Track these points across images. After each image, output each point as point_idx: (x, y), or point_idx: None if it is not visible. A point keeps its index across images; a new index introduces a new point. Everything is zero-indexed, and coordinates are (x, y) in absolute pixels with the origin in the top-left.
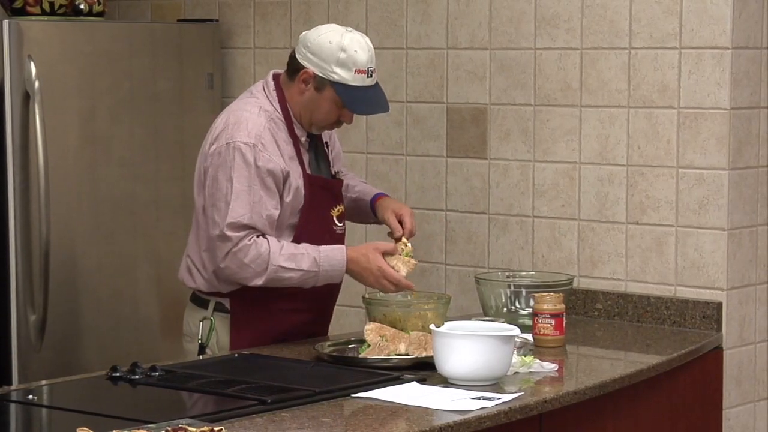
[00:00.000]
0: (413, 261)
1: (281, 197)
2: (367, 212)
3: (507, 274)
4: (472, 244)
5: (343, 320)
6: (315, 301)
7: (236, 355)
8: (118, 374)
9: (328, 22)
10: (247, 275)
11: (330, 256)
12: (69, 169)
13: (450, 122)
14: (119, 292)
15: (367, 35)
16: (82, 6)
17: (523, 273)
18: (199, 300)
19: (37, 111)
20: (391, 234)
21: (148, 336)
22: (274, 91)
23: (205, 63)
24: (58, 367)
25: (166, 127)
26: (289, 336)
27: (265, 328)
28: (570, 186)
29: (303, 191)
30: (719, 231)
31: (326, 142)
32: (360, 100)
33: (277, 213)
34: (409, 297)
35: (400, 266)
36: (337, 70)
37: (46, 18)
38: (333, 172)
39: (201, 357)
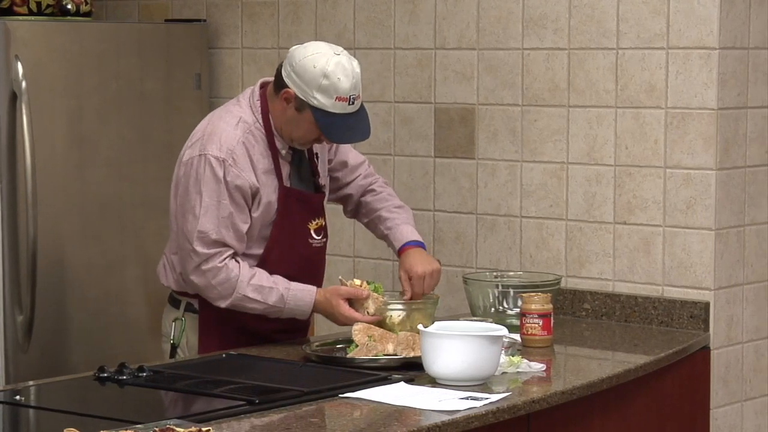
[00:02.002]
0: (381, 298)
1: (250, 212)
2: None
3: (495, 274)
4: (460, 245)
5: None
6: None
7: (224, 355)
8: (105, 375)
9: (316, 22)
10: (212, 295)
11: (298, 296)
12: (56, 170)
13: (438, 122)
14: (107, 293)
15: (354, 36)
16: (69, 6)
17: (511, 273)
18: (173, 300)
19: (24, 111)
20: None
21: (136, 336)
22: (258, 101)
23: (193, 63)
24: (45, 367)
25: (153, 128)
26: (260, 340)
27: (233, 330)
28: (558, 186)
29: (276, 205)
30: (706, 231)
31: (316, 153)
32: (338, 127)
33: (246, 227)
34: (397, 297)
35: (369, 303)
36: (318, 95)
37: (33, 18)
38: (320, 184)
39: (173, 359)
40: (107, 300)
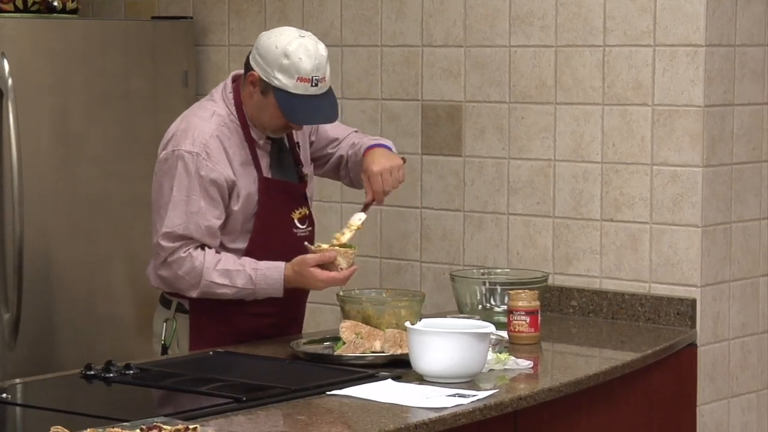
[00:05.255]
0: (351, 251)
1: (228, 206)
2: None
3: (482, 271)
4: (447, 242)
5: (318, 317)
6: (278, 305)
7: (211, 353)
8: (92, 372)
9: (303, 19)
10: (182, 286)
11: (267, 275)
12: (43, 168)
13: (425, 119)
14: (94, 291)
15: (341, 33)
16: (55, 3)
17: (498, 270)
18: (164, 300)
19: (10, 108)
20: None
21: (123, 334)
22: (231, 94)
23: (180, 60)
24: (32, 365)
25: (140, 125)
26: (253, 339)
27: (225, 331)
28: (545, 183)
29: (257, 196)
30: (693, 228)
31: (297, 143)
32: (299, 108)
33: (218, 223)
34: (383, 294)
35: (340, 260)
36: (279, 76)
37: (19, 15)
38: (302, 173)
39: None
40: (94, 298)
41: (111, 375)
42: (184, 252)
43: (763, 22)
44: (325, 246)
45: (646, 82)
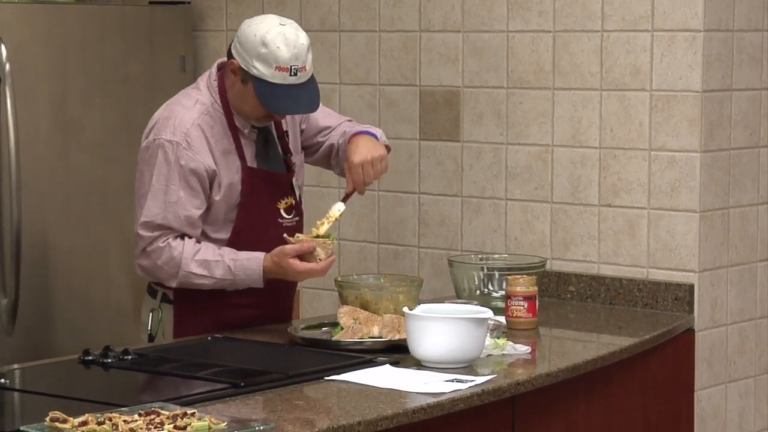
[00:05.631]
0: (328, 240)
1: (210, 196)
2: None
3: (480, 256)
4: (445, 227)
5: (316, 303)
6: (263, 296)
7: (209, 338)
8: (90, 358)
9: (301, 5)
10: (161, 276)
11: (246, 265)
12: (40, 153)
13: (423, 105)
14: (91, 276)
15: (339, 18)
16: None
17: (496, 256)
18: (150, 290)
19: (8, 94)
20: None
21: (121, 320)
22: (216, 82)
23: (177, 46)
24: (29, 350)
25: (138, 111)
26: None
27: (208, 322)
28: (543, 169)
29: (240, 186)
30: (691, 213)
31: (286, 131)
32: (277, 98)
33: (198, 212)
34: (381, 280)
35: (319, 251)
36: (257, 64)
37: (16, 0)
38: (291, 163)
39: None
40: (92, 283)
41: (109, 360)
42: (163, 242)
43: (762, 7)
44: (303, 237)
45: (645, 67)
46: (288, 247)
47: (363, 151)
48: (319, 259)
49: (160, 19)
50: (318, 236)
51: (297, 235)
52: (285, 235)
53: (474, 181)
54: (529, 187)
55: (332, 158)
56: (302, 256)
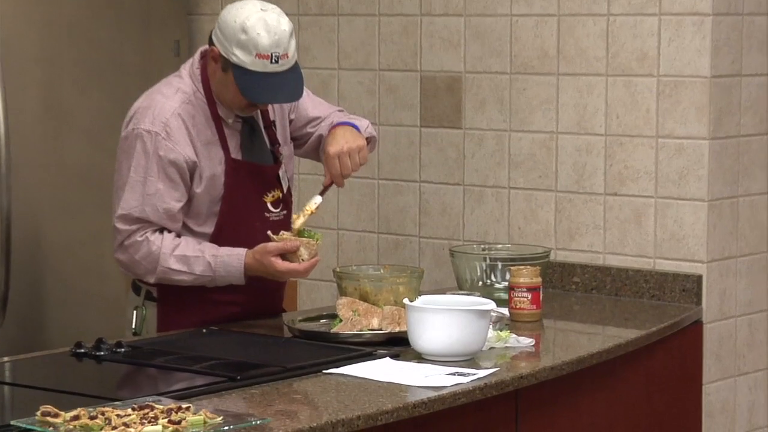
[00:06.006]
0: (312, 241)
1: (191, 188)
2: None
3: (482, 246)
4: (447, 217)
5: (314, 294)
6: (253, 294)
7: (204, 330)
8: (82, 350)
9: None
10: (139, 271)
11: (227, 262)
12: (32, 141)
13: (424, 91)
14: (84, 267)
15: (338, 2)
16: None
17: (499, 246)
18: (135, 286)
19: None
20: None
21: (114, 312)
22: (198, 69)
23: (172, 30)
24: (21, 343)
25: (132, 97)
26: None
27: (195, 320)
28: (547, 156)
29: (223, 178)
30: (699, 202)
31: (273, 121)
32: (258, 87)
33: (178, 205)
34: (381, 270)
35: (302, 251)
36: (237, 52)
37: None
38: (278, 154)
39: None
40: (84, 274)
41: (102, 353)
42: (141, 236)
43: None
44: (287, 235)
45: (652, 52)
46: (271, 244)
47: (340, 142)
48: (303, 260)
49: (155, 3)
50: (302, 235)
51: (282, 232)
52: (269, 232)
53: (476, 169)
54: (533, 176)
55: (321, 150)
56: (285, 255)
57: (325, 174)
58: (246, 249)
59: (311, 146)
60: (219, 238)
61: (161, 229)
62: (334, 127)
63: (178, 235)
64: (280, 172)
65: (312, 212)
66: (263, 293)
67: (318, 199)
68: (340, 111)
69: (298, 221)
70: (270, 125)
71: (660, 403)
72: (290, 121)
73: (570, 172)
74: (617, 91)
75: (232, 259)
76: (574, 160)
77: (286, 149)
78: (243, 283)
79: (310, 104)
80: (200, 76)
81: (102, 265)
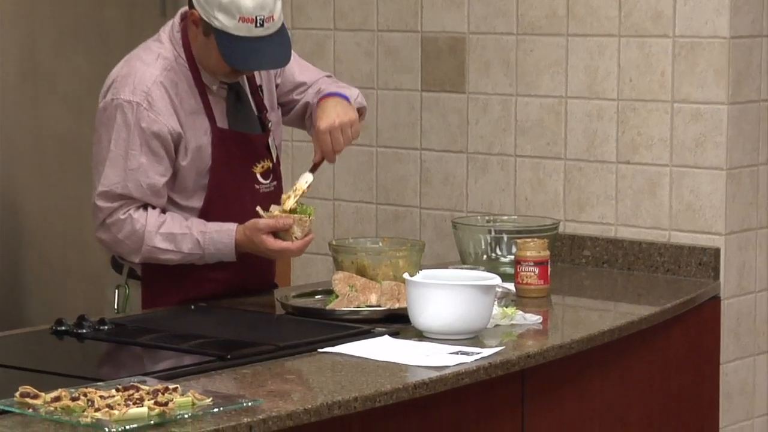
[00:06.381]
0: (306, 217)
1: (176, 161)
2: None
3: (487, 218)
4: (449, 186)
5: (309, 269)
6: (242, 270)
7: (192, 307)
8: (63, 328)
9: None
10: (122, 251)
11: (216, 239)
12: (8, 107)
13: (425, 53)
14: (65, 240)
15: None
16: None
17: (505, 217)
18: (115, 264)
19: None
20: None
21: (97, 287)
22: (179, 33)
23: None
24: None
25: (115, 59)
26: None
27: (182, 299)
28: (555, 122)
29: (210, 149)
30: (717, 171)
31: (260, 86)
32: (241, 52)
33: (163, 180)
34: (380, 243)
35: (295, 229)
36: (219, 15)
37: None
38: (266, 121)
39: None
40: (65, 247)
41: (84, 331)
42: (124, 213)
43: None
44: (278, 210)
45: (667, 11)
46: (262, 221)
47: (331, 116)
48: (296, 238)
49: None
50: (294, 211)
51: (272, 207)
52: (258, 208)
53: (480, 136)
54: (541, 143)
55: (306, 118)
56: (277, 233)
57: (315, 150)
58: (236, 224)
59: (297, 114)
60: (208, 212)
61: (145, 206)
62: (323, 98)
63: (163, 211)
64: (270, 141)
65: (304, 192)
66: (254, 269)
67: (309, 177)
68: (328, 77)
69: (288, 202)
70: (257, 90)
71: (675, 384)
72: (276, 86)
73: (580, 139)
74: (630, 53)
75: (222, 236)
76: (584, 127)
77: (273, 116)
78: (234, 260)
79: (297, 68)
80: (181, 41)
81: (84, 238)
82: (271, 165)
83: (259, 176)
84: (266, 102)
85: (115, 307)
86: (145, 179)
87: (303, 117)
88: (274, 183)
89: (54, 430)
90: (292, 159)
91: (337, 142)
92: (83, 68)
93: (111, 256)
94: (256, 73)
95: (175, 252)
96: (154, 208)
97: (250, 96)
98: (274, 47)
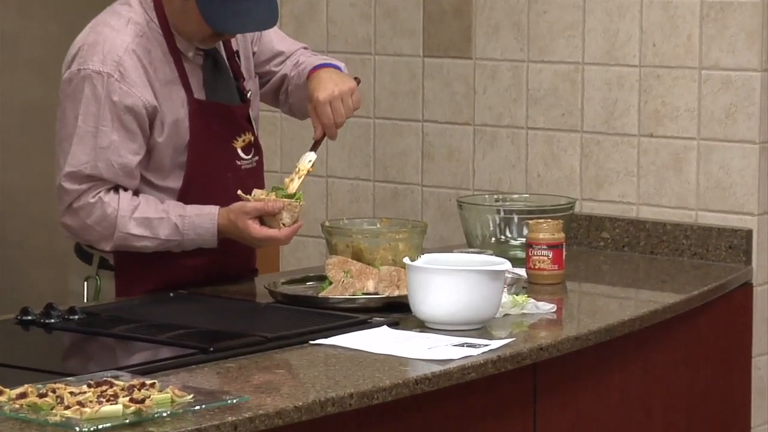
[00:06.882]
0: (295, 202)
1: (151, 137)
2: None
3: (495, 197)
4: (454, 162)
5: (300, 253)
6: (223, 255)
7: (171, 294)
8: (29, 318)
9: None
10: (92, 237)
11: (197, 223)
12: None
13: (427, 14)
14: (33, 221)
15: None
16: None
17: (515, 196)
18: (82, 253)
19: None
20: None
21: (66, 273)
22: None
23: None
24: None
25: (83, 22)
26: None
27: (158, 288)
28: (571, 91)
29: (187, 123)
30: (749, 144)
31: (236, 51)
32: (224, 13)
33: (136, 159)
34: (377, 225)
35: (283, 215)
36: None
37: None
38: (245, 90)
39: None
40: (33, 229)
41: (52, 321)
42: (93, 197)
43: None
44: (263, 194)
45: None
46: (249, 204)
47: (329, 86)
48: (283, 224)
49: None
50: (281, 195)
51: (254, 191)
52: (240, 192)
53: (489, 107)
54: (555, 114)
55: (281, 93)
56: (263, 219)
57: (315, 126)
58: (218, 207)
59: (272, 87)
60: (188, 193)
61: (116, 188)
62: (315, 70)
63: (136, 194)
64: (250, 112)
65: (308, 172)
66: (236, 254)
67: (312, 156)
68: (305, 48)
69: (292, 184)
70: (233, 56)
71: (702, 379)
72: (252, 53)
73: (598, 109)
74: (654, 15)
75: (202, 220)
76: (602, 96)
77: (251, 84)
78: (215, 246)
79: (275, 37)
80: (152, 3)
81: (52, 218)
82: (252, 138)
83: (240, 151)
84: (243, 69)
85: (85, 301)
86: (117, 158)
87: (278, 91)
88: (256, 158)
89: (19, 429)
90: (281, 133)
91: (338, 113)
92: (50, 31)
93: (76, 244)
94: (233, 38)
95: (151, 238)
96: (126, 190)
97: (227, 62)
98: (260, 7)
